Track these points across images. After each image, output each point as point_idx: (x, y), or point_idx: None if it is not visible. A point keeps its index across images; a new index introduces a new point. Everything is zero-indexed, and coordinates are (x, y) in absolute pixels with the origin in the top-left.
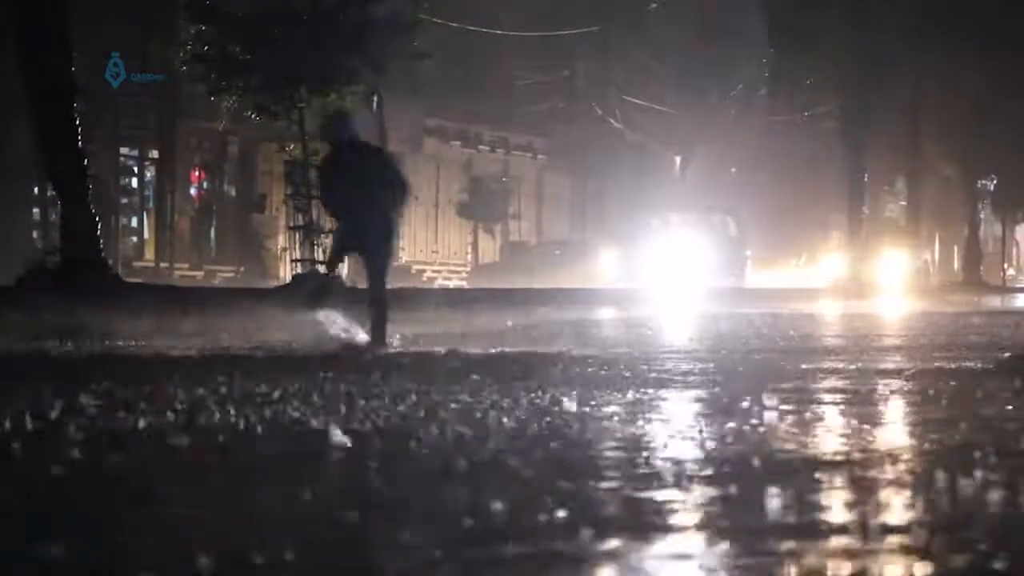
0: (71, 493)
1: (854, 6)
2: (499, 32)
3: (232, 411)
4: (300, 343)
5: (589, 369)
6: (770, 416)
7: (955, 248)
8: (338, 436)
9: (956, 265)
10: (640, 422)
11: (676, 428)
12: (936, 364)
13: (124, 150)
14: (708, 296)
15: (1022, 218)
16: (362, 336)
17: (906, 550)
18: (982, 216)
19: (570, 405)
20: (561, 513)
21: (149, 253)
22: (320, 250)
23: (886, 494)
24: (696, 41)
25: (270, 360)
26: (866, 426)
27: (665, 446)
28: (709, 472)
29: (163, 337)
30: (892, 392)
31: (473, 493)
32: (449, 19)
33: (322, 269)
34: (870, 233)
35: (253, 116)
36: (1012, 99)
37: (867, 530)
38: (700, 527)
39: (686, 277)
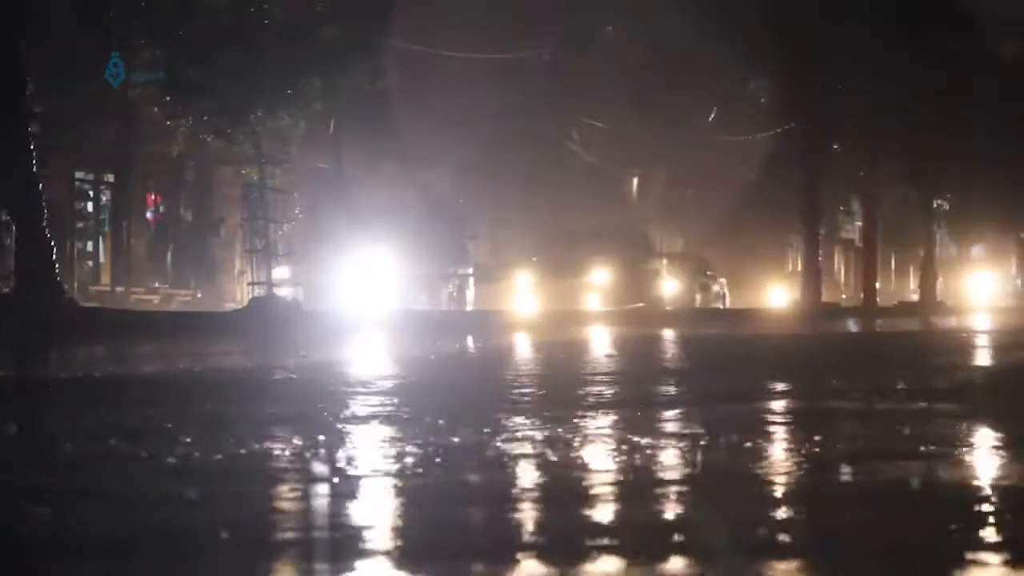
0: None
1: (809, 25)
2: (452, 54)
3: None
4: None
5: None
6: None
7: (911, 269)
8: None
9: (912, 285)
10: None
11: None
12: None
13: (79, 174)
14: (401, 321)
15: (978, 239)
16: None
17: None
18: (938, 237)
19: None
20: None
21: (105, 277)
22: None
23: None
24: (652, 62)
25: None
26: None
27: None
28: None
29: (117, 362)
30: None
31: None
32: (405, 41)
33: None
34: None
35: (209, 139)
36: (968, 119)
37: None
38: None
39: (373, 299)
